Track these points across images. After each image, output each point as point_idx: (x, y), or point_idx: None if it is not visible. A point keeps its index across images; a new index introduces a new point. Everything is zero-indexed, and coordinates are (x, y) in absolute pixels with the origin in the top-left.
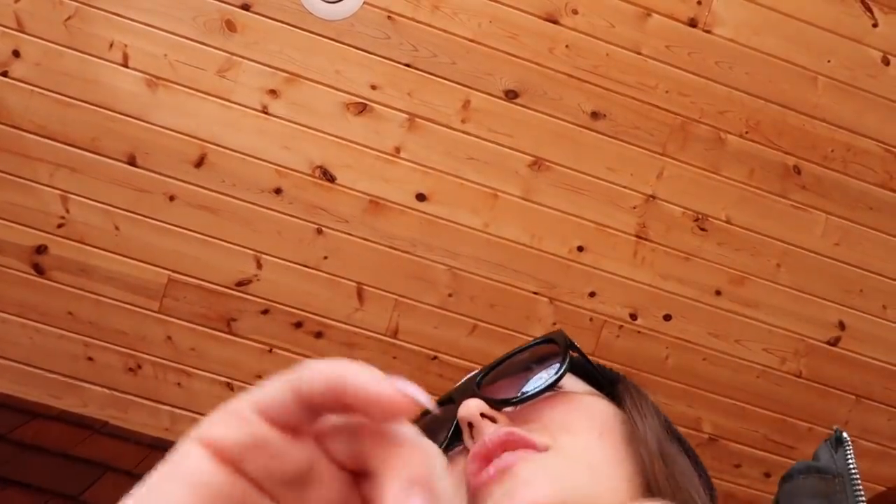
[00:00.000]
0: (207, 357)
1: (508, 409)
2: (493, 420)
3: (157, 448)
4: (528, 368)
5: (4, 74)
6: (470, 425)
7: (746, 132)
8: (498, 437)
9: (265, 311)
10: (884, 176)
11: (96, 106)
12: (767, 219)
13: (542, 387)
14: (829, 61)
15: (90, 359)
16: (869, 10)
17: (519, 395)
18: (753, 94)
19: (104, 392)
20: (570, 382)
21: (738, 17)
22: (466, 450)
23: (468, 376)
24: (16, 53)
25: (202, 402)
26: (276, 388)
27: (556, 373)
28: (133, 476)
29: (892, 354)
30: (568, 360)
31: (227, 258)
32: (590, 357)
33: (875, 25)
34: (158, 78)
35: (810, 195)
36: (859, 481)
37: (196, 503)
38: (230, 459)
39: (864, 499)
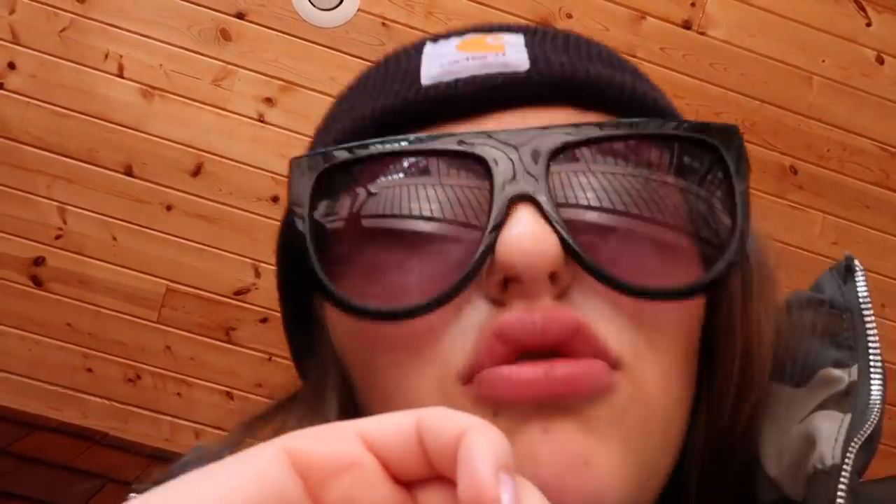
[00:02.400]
0: (207, 366)
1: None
2: (560, 284)
3: (158, 459)
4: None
5: (0, 87)
6: (517, 278)
7: (742, 133)
8: (563, 330)
9: (264, 320)
10: (880, 174)
11: (92, 117)
12: (764, 219)
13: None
14: (823, 61)
15: (89, 370)
16: (862, 9)
17: (644, 288)
18: (748, 95)
19: (104, 403)
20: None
21: (732, 18)
22: (497, 304)
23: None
24: (11, 65)
25: (202, 411)
26: (392, 422)
27: (728, 257)
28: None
29: (892, 354)
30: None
31: (225, 267)
32: None
33: (869, 25)
34: (154, 88)
35: (807, 195)
36: (872, 318)
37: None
38: (310, 475)
39: (876, 339)
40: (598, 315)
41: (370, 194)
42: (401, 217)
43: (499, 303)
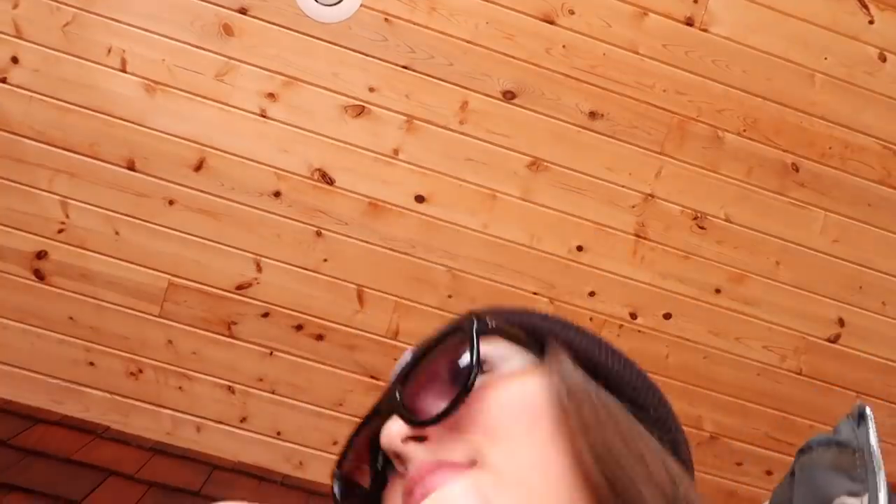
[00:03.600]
0: (208, 361)
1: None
2: (422, 439)
3: (159, 452)
4: (453, 362)
5: (3, 81)
6: (397, 454)
7: (744, 130)
8: (425, 469)
9: (266, 315)
10: (882, 172)
11: (95, 111)
12: (766, 216)
13: (450, 404)
14: (826, 59)
15: (91, 364)
16: (865, 7)
17: (433, 416)
18: (751, 93)
19: (105, 397)
20: (506, 353)
21: (734, 15)
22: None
23: (394, 373)
24: (14, 60)
25: (203, 405)
26: None
27: (468, 377)
28: (135, 481)
29: (892, 351)
30: (477, 359)
31: (226, 262)
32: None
33: (871, 22)
34: (157, 83)
35: (809, 192)
36: (880, 457)
37: None
38: None
39: (884, 475)
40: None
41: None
42: None
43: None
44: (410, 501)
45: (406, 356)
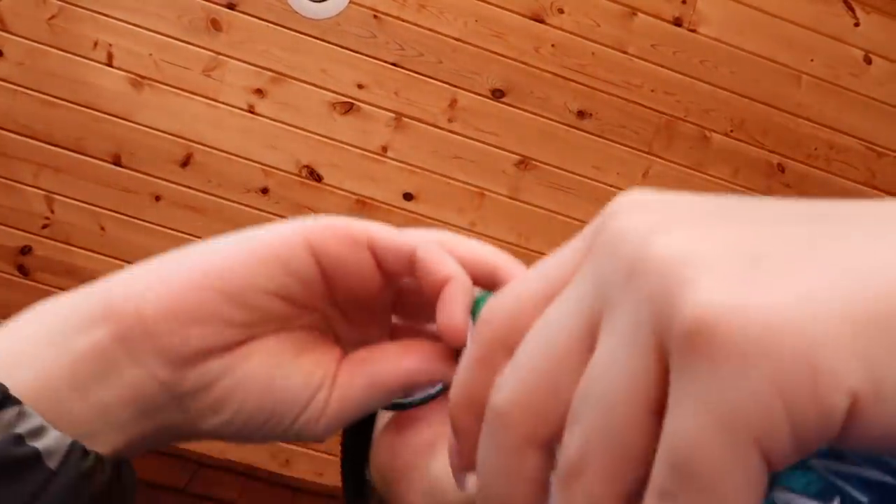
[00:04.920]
0: None
1: None
2: None
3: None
4: None
5: None
6: None
7: (731, 130)
8: None
9: None
10: (866, 174)
11: (81, 105)
12: None
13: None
14: (811, 60)
15: None
16: (851, 9)
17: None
18: (738, 93)
19: None
20: None
21: (722, 16)
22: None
23: None
24: None
25: None
26: (395, 240)
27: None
28: None
29: None
30: None
31: None
32: None
33: (857, 25)
34: (143, 77)
35: (794, 193)
36: None
37: (280, 273)
38: (322, 264)
39: None
40: None
41: None
42: None
43: None
44: None
45: None
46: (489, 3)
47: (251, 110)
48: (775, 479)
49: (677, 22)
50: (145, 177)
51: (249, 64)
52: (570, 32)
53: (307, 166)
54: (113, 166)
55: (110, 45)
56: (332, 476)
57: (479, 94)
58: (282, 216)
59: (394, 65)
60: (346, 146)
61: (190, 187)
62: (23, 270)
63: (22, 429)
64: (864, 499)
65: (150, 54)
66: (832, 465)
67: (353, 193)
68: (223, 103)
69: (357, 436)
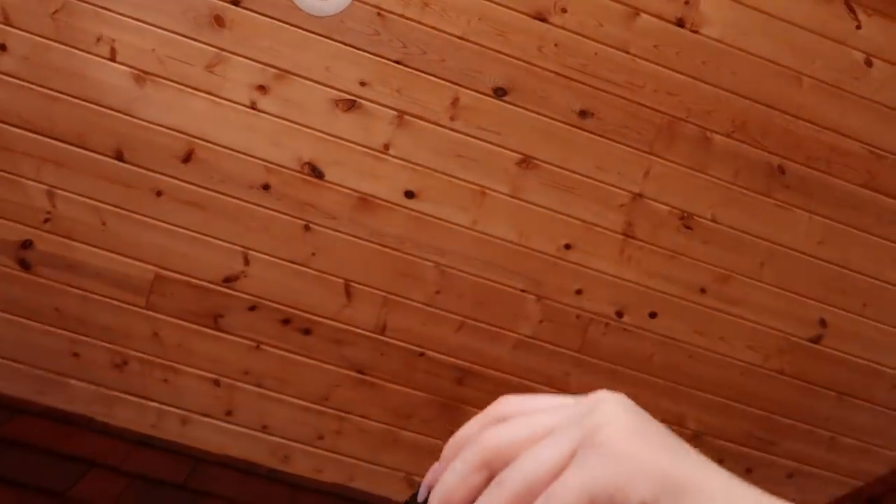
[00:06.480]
0: (194, 353)
1: None
2: None
3: (144, 444)
4: None
5: None
6: None
7: (732, 132)
8: None
9: (253, 308)
10: (866, 176)
11: (83, 100)
12: (752, 218)
13: None
14: (813, 62)
15: (76, 355)
16: (853, 12)
17: None
18: (739, 94)
19: (90, 388)
20: None
21: (724, 17)
22: None
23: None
24: (2, 47)
25: (189, 398)
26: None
27: None
28: (119, 473)
29: (873, 352)
30: None
31: (214, 254)
32: (576, 355)
33: (859, 27)
34: (146, 73)
35: (794, 194)
36: None
37: None
38: None
39: None
40: None
41: None
42: None
43: None
44: None
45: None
46: (492, 2)
47: (254, 107)
48: None
49: (680, 23)
50: (147, 172)
51: (252, 60)
52: (573, 32)
53: (309, 163)
54: (115, 161)
55: (113, 40)
56: (330, 473)
57: (482, 93)
58: (283, 213)
59: (397, 63)
60: (348, 143)
61: (191, 183)
62: (24, 265)
63: None
64: None
65: (154, 50)
66: None
67: (355, 191)
68: (226, 99)
69: None
